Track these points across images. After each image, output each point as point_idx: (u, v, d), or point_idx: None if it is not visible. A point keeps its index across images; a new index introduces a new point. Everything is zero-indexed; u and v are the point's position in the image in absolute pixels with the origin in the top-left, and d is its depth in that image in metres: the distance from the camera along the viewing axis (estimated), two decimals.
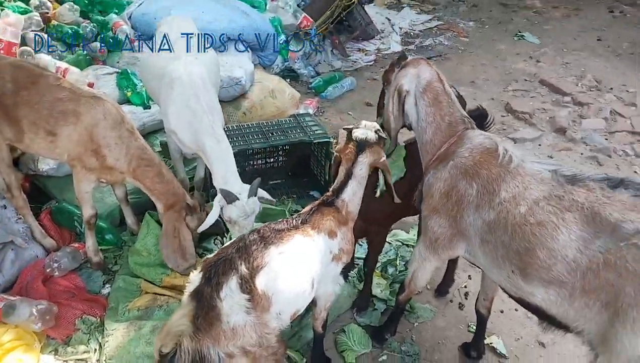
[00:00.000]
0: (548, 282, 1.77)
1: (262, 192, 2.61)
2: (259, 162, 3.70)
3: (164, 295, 2.59)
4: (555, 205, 1.76)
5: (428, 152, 2.23)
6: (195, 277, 1.75)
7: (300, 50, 5.81)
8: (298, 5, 6.14)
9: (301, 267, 1.90)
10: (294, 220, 1.99)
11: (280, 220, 1.99)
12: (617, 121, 4.85)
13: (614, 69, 6.01)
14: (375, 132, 2.16)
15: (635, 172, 4.09)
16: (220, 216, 2.52)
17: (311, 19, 5.69)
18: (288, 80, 5.66)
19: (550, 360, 2.61)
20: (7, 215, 2.95)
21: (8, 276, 2.81)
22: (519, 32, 7.27)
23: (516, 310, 2.83)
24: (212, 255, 1.86)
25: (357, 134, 2.13)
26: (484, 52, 6.63)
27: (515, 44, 6.95)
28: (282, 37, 5.41)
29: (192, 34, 3.13)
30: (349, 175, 2.12)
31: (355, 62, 6.31)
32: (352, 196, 2.13)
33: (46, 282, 2.71)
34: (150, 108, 3.88)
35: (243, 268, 1.73)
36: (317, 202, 2.13)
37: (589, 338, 1.76)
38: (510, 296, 2.01)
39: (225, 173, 2.58)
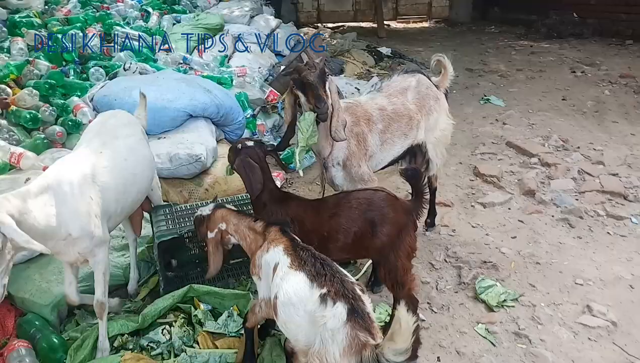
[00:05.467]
0: None
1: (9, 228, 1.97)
2: None
3: None
4: None
5: None
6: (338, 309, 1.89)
7: (271, 123, 5.87)
8: (266, 80, 6.26)
9: None
10: None
11: None
12: (585, 180, 4.84)
13: (580, 128, 6.10)
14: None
15: (608, 233, 4.01)
16: None
17: (277, 93, 5.77)
18: None
19: None
20: None
21: None
22: (485, 95, 7.44)
23: None
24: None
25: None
26: (452, 117, 6.70)
27: (482, 107, 7.09)
28: (249, 111, 5.45)
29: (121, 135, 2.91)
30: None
31: None
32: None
33: None
34: None
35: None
36: None
37: None
38: None
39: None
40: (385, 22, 12.82)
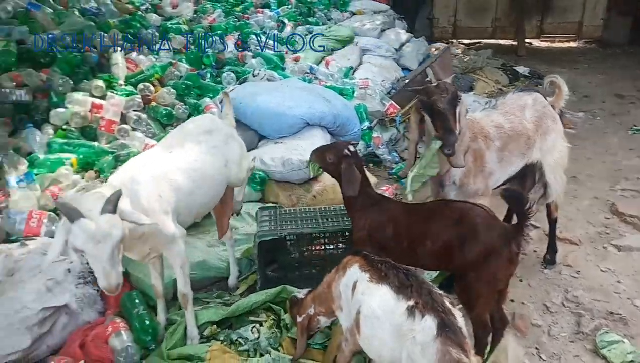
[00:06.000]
0: None
1: (126, 209, 2.08)
2: (317, 247, 3.57)
3: None
4: None
5: None
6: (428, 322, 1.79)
7: (388, 136, 5.79)
8: (388, 93, 6.20)
9: None
10: None
11: None
12: None
13: None
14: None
15: None
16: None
17: (397, 106, 5.67)
18: (371, 165, 5.62)
19: None
20: (70, 280, 3.09)
21: (58, 339, 2.89)
22: (635, 125, 6.58)
23: None
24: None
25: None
26: (591, 145, 6.04)
27: (631, 138, 6.27)
28: (366, 123, 5.42)
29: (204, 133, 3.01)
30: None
31: None
32: None
33: (82, 348, 2.74)
34: None
35: None
36: None
37: None
38: None
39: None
40: (527, 40, 12.03)
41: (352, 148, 2.91)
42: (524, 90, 3.46)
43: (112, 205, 2.02)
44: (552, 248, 3.72)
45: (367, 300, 1.97)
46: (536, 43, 12.80)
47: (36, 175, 3.62)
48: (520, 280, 3.53)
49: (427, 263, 2.66)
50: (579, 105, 7.58)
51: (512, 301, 3.28)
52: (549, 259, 3.72)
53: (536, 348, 2.92)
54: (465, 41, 12.39)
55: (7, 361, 2.65)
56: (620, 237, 4.11)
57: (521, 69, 9.17)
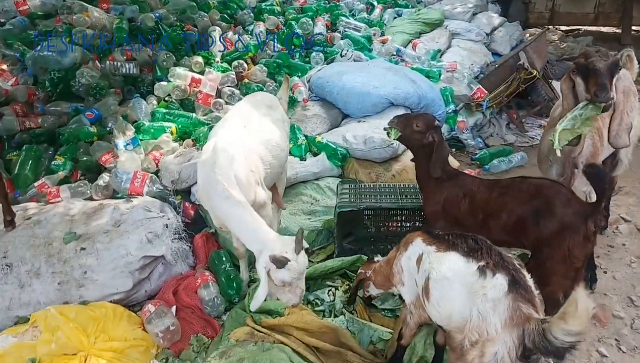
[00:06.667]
0: None
1: (304, 242, 2.44)
2: (394, 224, 3.64)
3: (261, 332, 2.67)
4: None
5: None
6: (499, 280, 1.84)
7: (473, 121, 5.69)
8: (476, 77, 6.07)
9: None
10: None
11: None
12: None
13: None
14: None
15: None
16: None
17: (485, 91, 5.54)
18: (454, 149, 5.56)
19: None
20: (167, 234, 3.41)
21: (154, 285, 3.25)
22: None
23: None
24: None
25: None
26: None
27: None
28: (452, 106, 5.36)
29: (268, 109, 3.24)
30: None
31: (532, 138, 5.88)
32: None
33: (175, 294, 3.04)
34: (305, 160, 4.20)
35: None
36: None
37: None
38: None
39: (259, 234, 2.46)
40: (634, 28, 11.11)
41: (438, 122, 2.93)
42: None
43: (301, 245, 2.38)
44: (605, 215, 3.73)
45: (436, 267, 2.03)
46: None
47: (141, 140, 4.00)
48: (605, 272, 3.40)
49: (501, 238, 2.62)
50: None
51: (592, 291, 3.19)
52: (603, 226, 3.77)
53: (616, 339, 2.83)
54: (564, 28, 11.67)
55: (112, 300, 3.02)
56: None
57: None
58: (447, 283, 1.97)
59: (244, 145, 2.87)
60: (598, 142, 3.00)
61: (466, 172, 4.77)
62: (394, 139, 2.91)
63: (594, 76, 2.61)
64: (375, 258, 2.72)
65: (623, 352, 2.76)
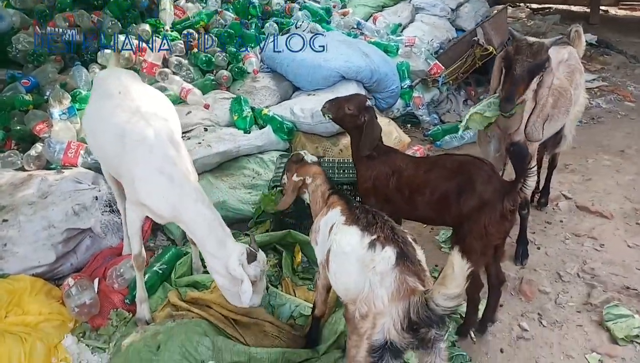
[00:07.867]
0: None
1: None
2: None
3: (180, 311, 2.63)
4: None
5: None
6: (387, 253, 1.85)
7: (430, 97, 5.65)
8: (436, 53, 6.00)
9: None
10: None
11: None
12: None
13: None
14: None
15: None
16: None
17: (442, 67, 5.49)
18: (409, 125, 5.55)
19: None
20: (97, 206, 3.31)
21: (81, 259, 3.17)
22: None
23: None
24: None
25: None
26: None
27: None
28: (407, 82, 5.30)
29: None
30: None
31: None
32: None
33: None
34: (249, 133, 4.12)
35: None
36: None
37: None
38: None
39: (222, 236, 2.40)
40: (602, 8, 11.13)
41: (369, 102, 2.89)
42: (559, 44, 3.27)
43: (256, 247, 2.43)
44: (546, 193, 3.94)
45: (337, 239, 2.05)
46: (613, 11, 11.82)
47: (78, 109, 3.86)
48: (538, 248, 3.44)
49: (427, 214, 2.66)
50: None
51: (523, 267, 3.22)
52: (543, 202, 3.94)
53: (539, 314, 2.88)
54: (534, 5, 11.64)
55: (34, 273, 2.93)
56: None
57: (588, 37, 8.49)
58: (345, 257, 1.98)
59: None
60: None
61: (416, 148, 4.80)
62: (328, 120, 2.93)
63: (508, 81, 2.66)
64: (307, 157, 2.60)
65: (544, 326, 2.80)
